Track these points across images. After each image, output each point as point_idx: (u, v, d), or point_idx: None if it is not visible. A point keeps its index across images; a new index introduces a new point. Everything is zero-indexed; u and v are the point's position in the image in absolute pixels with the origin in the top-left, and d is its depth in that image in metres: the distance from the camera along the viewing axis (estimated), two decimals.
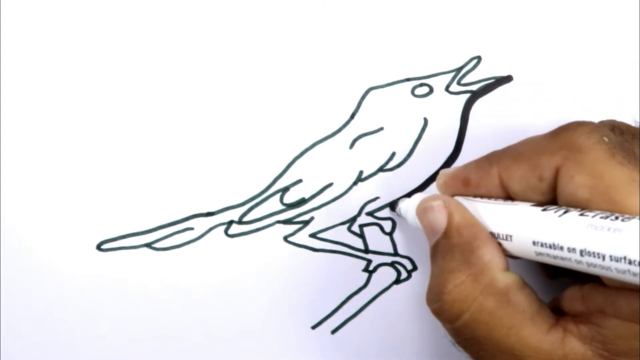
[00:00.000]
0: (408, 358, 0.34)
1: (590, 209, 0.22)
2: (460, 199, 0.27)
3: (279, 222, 0.32)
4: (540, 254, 0.23)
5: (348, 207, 0.32)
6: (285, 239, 0.32)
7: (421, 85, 0.31)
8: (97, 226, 0.31)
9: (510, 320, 0.24)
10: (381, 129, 0.31)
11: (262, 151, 0.31)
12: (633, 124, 0.26)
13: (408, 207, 0.29)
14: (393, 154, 0.32)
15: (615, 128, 0.25)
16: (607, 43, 0.33)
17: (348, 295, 0.33)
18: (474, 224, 0.25)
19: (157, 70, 0.29)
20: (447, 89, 0.31)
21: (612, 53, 0.33)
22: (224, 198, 0.31)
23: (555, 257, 0.22)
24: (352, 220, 0.32)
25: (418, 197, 0.29)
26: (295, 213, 0.32)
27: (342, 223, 0.32)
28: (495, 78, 0.32)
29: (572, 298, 0.24)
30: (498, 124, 0.32)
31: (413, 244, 0.33)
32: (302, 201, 0.32)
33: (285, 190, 0.32)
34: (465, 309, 0.24)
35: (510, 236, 0.24)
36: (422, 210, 0.27)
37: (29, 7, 0.28)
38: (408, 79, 0.31)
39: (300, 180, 0.31)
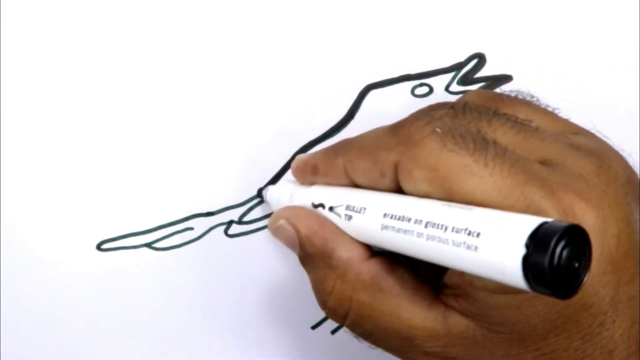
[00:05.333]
0: None
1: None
2: (317, 187, 0.27)
3: None
4: (386, 227, 0.22)
5: None
6: None
7: (421, 85, 0.31)
8: (97, 226, 0.31)
9: (388, 306, 0.24)
10: None
11: (261, 151, 0.31)
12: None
13: (272, 198, 0.30)
14: None
15: (456, 108, 0.24)
16: (607, 43, 0.33)
17: None
18: (319, 228, 0.25)
19: (156, 70, 0.29)
20: (447, 88, 0.31)
21: (612, 53, 0.33)
22: (224, 198, 0.31)
23: (400, 230, 0.22)
24: None
25: (277, 189, 0.29)
26: None
27: None
28: (495, 78, 0.32)
29: (452, 272, 0.24)
30: None
31: None
32: None
33: None
34: (347, 310, 0.25)
35: (364, 208, 0.24)
36: (273, 232, 0.27)
37: (29, 7, 0.28)
38: (408, 79, 0.31)
39: None
